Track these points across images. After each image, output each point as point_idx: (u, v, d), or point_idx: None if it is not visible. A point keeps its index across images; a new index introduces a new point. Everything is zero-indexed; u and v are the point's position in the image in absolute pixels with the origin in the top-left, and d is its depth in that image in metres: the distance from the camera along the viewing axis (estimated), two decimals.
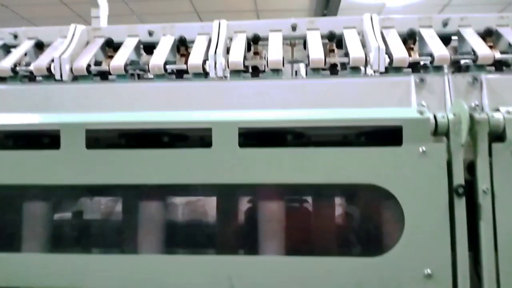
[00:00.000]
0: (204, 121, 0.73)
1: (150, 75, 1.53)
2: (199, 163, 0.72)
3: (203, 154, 0.72)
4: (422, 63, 1.44)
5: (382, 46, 1.36)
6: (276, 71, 1.42)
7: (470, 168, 0.72)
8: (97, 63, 1.54)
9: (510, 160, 0.68)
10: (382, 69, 1.36)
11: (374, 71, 1.36)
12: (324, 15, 6.77)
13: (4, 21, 6.82)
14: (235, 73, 1.43)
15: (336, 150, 0.72)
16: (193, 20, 7.08)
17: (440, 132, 0.72)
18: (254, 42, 1.54)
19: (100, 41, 1.56)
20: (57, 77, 1.44)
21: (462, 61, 1.44)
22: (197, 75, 1.44)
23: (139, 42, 1.57)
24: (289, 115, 0.74)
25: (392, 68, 1.38)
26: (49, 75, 1.46)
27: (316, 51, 1.41)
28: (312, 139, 0.80)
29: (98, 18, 2.08)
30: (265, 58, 1.55)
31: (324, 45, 1.54)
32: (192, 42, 1.57)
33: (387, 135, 0.76)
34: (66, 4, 6.42)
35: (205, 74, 1.42)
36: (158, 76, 1.46)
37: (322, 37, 1.52)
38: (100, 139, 0.80)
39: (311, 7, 6.83)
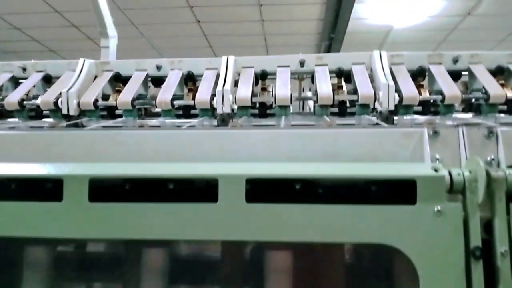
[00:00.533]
0: (210, 174, 0.71)
1: (158, 109, 1.53)
2: (205, 218, 0.70)
3: (208, 209, 0.70)
4: (432, 100, 1.43)
5: (392, 84, 1.35)
6: (284, 108, 1.41)
7: (487, 227, 0.68)
8: (105, 97, 1.54)
9: None
10: (392, 107, 1.34)
11: (382, 110, 1.35)
12: (331, 38, 6.83)
13: (16, 42, 6.96)
14: (243, 109, 1.42)
15: (347, 208, 0.69)
16: (200, 43, 7.17)
17: (455, 189, 0.69)
18: (262, 78, 1.54)
19: (108, 75, 1.56)
20: (64, 111, 1.44)
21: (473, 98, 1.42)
22: (204, 110, 1.43)
23: (147, 76, 1.57)
24: (299, 169, 0.72)
25: (402, 106, 1.37)
26: (56, 110, 1.45)
27: (324, 87, 1.40)
28: (322, 195, 0.78)
29: (108, 48, 2.10)
30: (272, 94, 1.55)
31: (332, 80, 1.53)
32: (200, 76, 1.57)
33: (401, 193, 0.73)
34: (77, 27, 6.54)
35: (212, 110, 1.41)
36: (165, 112, 1.45)
37: (331, 72, 1.51)
38: (103, 191, 0.78)
39: (318, 30, 6.88)
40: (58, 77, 1.61)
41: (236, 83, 1.51)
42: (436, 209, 0.68)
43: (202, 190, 0.72)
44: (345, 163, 0.75)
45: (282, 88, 1.41)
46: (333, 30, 6.57)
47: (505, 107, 1.38)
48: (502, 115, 1.38)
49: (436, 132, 0.79)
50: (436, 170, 0.70)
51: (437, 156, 0.78)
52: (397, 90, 1.39)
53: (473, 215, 0.67)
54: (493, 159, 0.77)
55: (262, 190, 0.74)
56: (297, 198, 0.72)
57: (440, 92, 1.40)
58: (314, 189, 0.74)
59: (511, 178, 0.69)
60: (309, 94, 1.93)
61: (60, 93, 1.45)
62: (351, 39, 6.70)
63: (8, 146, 0.86)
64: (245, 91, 1.41)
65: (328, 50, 7.05)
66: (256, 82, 1.55)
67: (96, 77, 1.58)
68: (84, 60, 1.57)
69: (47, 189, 0.76)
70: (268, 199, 0.74)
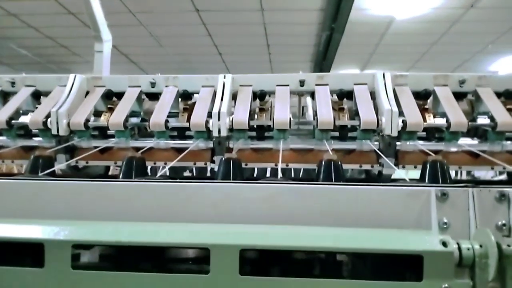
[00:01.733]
0: (201, 243, 0.66)
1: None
2: None
3: (200, 282, 0.65)
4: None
5: (395, 110, 1.29)
6: (283, 131, 1.36)
7: None
8: (97, 113, 1.48)
9: None
10: (395, 134, 1.29)
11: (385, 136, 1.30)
12: (332, 28, 6.70)
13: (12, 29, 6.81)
14: (240, 131, 1.37)
15: (350, 283, 0.65)
16: (199, 31, 7.03)
17: (464, 264, 0.64)
18: (260, 98, 1.48)
19: (100, 91, 1.50)
20: (54, 132, 1.38)
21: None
22: (199, 132, 1.37)
23: (141, 93, 1.51)
24: (298, 237, 0.67)
25: (405, 132, 1.31)
26: (45, 129, 1.40)
27: (324, 112, 1.34)
28: (323, 268, 0.73)
29: (101, 52, 2.02)
30: (271, 114, 1.49)
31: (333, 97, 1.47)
32: (196, 93, 1.51)
33: (406, 268, 0.68)
34: (74, 14, 6.39)
35: (208, 132, 1.36)
36: (159, 133, 1.39)
37: (332, 92, 1.45)
38: (86, 257, 0.74)
39: (319, 20, 6.75)
40: (48, 92, 1.55)
41: (233, 97, 1.45)
42: (443, 287, 0.63)
43: (193, 259, 0.67)
44: (347, 229, 0.70)
45: (281, 111, 1.35)
46: (334, 21, 6.44)
47: None
48: (509, 142, 1.33)
49: (445, 194, 0.73)
50: (444, 244, 0.65)
51: (445, 220, 0.73)
52: (401, 113, 1.34)
53: None
54: (504, 225, 0.72)
55: (257, 261, 0.70)
56: (296, 270, 0.68)
57: (444, 115, 1.35)
58: (314, 261, 0.70)
59: None
60: (309, 105, 1.88)
61: (50, 113, 1.39)
62: (352, 30, 6.58)
63: None
64: (242, 114, 1.35)
65: (329, 40, 6.94)
66: (254, 98, 1.49)
67: (87, 92, 1.52)
68: (75, 76, 1.50)
69: (27, 253, 0.72)
70: (264, 272, 0.69)
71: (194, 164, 1.36)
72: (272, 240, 0.67)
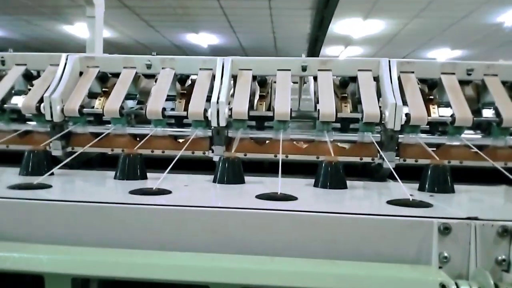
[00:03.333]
0: (201, 280, 0.67)
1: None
2: None
3: None
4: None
5: (400, 103, 1.25)
6: (283, 122, 1.33)
7: None
8: (92, 95, 1.44)
9: None
10: (398, 128, 1.26)
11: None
12: None
13: None
14: (239, 121, 1.34)
15: None
16: None
17: None
18: (261, 85, 1.43)
19: (94, 72, 1.44)
20: (47, 118, 1.34)
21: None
22: (198, 121, 1.34)
23: (136, 75, 1.45)
24: (299, 274, 0.67)
25: (408, 126, 1.29)
26: (39, 114, 1.36)
27: (327, 103, 1.30)
28: None
29: (94, 18, 1.91)
30: (271, 104, 1.45)
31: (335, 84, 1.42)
32: (194, 74, 1.45)
33: None
34: None
35: (206, 121, 1.33)
36: (156, 121, 1.36)
37: (334, 78, 1.40)
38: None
39: None
40: (39, 71, 1.49)
41: (233, 79, 1.40)
42: None
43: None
44: (343, 265, 0.70)
45: (282, 102, 1.31)
46: None
47: None
48: None
49: (447, 228, 0.73)
50: (443, 287, 0.65)
51: (445, 254, 0.73)
52: (404, 103, 1.30)
53: None
54: (504, 260, 0.72)
55: None
56: None
57: (449, 105, 1.32)
58: None
59: None
60: (311, 83, 1.82)
61: (43, 97, 1.34)
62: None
63: None
64: (242, 104, 1.31)
65: None
66: (254, 78, 1.43)
67: (81, 73, 1.46)
68: (68, 56, 1.44)
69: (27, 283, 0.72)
70: None
71: (193, 153, 1.34)
72: (273, 278, 0.67)
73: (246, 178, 1.16)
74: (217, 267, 0.69)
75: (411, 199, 0.89)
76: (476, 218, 0.74)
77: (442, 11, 7.37)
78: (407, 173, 1.24)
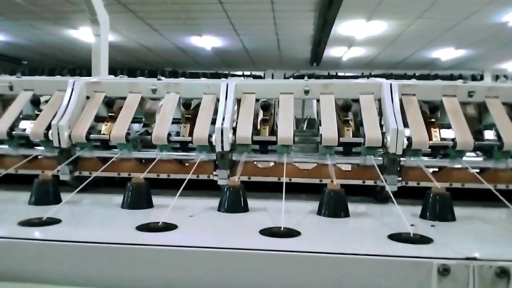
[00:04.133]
0: None
1: None
2: None
3: None
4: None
5: (401, 128, 1.27)
6: (286, 146, 1.35)
7: None
8: (98, 119, 1.46)
9: None
10: (400, 152, 1.28)
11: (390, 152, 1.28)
12: None
13: None
14: (243, 146, 1.36)
15: None
16: None
17: None
18: (264, 109, 1.45)
19: (100, 97, 1.46)
20: (55, 144, 1.37)
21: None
22: (202, 146, 1.36)
23: (142, 99, 1.48)
24: None
25: (410, 150, 1.30)
26: (46, 141, 1.39)
27: (329, 128, 1.32)
28: None
29: (99, 36, 1.94)
30: (274, 126, 1.47)
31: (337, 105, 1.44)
32: (198, 99, 1.48)
33: None
34: None
35: (210, 145, 1.35)
36: (162, 146, 1.38)
37: (336, 101, 1.42)
38: None
39: None
40: (46, 96, 1.53)
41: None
42: None
43: None
44: None
45: (285, 127, 1.33)
46: None
47: None
48: None
49: (447, 270, 0.75)
50: None
51: None
52: (405, 124, 1.32)
53: None
54: None
55: None
56: None
57: (450, 127, 1.34)
58: None
59: None
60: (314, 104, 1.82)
61: (50, 124, 1.37)
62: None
63: None
64: (245, 129, 1.33)
65: None
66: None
67: (87, 97, 1.48)
68: (74, 82, 1.46)
69: None
70: None
71: (197, 176, 1.37)
72: None
73: (250, 203, 1.18)
74: None
75: (411, 234, 0.91)
76: (474, 259, 0.76)
77: (445, 12, 7.35)
78: (410, 192, 1.27)
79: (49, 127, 1.38)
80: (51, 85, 1.51)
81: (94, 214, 1.11)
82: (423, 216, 1.12)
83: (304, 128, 2.40)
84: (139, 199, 1.17)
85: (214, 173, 1.35)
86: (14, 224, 0.95)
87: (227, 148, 1.32)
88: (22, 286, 0.78)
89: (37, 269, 0.82)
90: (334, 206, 1.11)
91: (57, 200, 1.22)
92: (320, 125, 1.36)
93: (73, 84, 1.46)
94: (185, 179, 1.25)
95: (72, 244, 0.83)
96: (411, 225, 1.04)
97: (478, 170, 1.34)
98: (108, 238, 0.85)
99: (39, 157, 1.44)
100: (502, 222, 1.08)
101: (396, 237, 0.90)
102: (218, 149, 1.32)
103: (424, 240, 0.88)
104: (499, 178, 1.31)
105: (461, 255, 0.78)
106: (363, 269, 0.78)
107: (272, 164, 1.38)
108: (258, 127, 1.47)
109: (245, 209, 1.15)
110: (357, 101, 1.43)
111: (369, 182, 1.34)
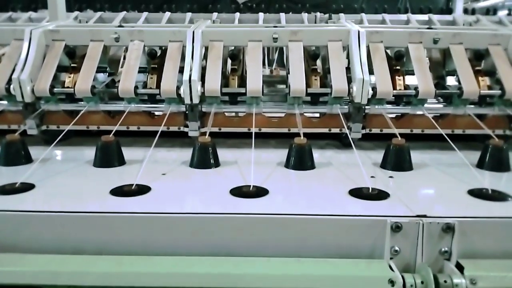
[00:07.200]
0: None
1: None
2: None
3: None
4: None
5: (367, 78, 1.30)
6: (255, 98, 1.36)
7: None
8: (61, 69, 1.41)
9: None
10: (365, 102, 1.32)
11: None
12: None
13: None
14: (212, 97, 1.36)
15: None
16: None
17: None
18: (232, 59, 1.43)
19: (60, 46, 1.40)
20: (18, 99, 1.34)
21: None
22: (171, 98, 1.36)
23: (104, 48, 1.42)
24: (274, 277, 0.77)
25: (375, 99, 1.34)
26: (9, 95, 1.35)
27: (297, 79, 1.33)
28: None
29: None
30: (243, 73, 1.46)
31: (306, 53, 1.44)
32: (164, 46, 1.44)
33: None
34: None
35: (179, 98, 1.34)
36: (129, 99, 1.37)
37: (305, 48, 1.42)
38: None
39: None
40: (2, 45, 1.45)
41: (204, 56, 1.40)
42: None
43: None
44: (308, 263, 0.80)
45: (253, 78, 1.33)
46: None
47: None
48: (472, 106, 1.39)
49: (399, 227, 0.83)
50: (392, 283, 0.77)
51: (396, 248, 0.83)
52: (371, 72, 1.35)
53: None
54: (446, 251, 0.84)
55: None
56: None
57: (414, 73, 1.37)
58: None
59: None
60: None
61: (11, 78, 1.32)
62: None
63: None
64: (214, 81, 1.33)
65: None
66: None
67: (46, 46, 1.42)
68: (31, 31, 1.39)
69: None
70: None
71: (168, 128, 1.38)
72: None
73: (221, 153, 1.22)
74: (194, 273, 0.78)
75: (370, 190, 0.98)
76: (424, 216, 0.84)
77: None
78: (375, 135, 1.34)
79: (10, 81, 1.33)
80: (8, 35, 1.43)
81: (67, 175, 1.12)
82: (383, 166, 1.19)
83: (275, 66, 2.38)
84: (111, 157, 1.19)
85: (185, 124, 1.37)
86: None
87: (196, 100, 1.32)
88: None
89: (15, 239, 0.85)
90: (300, 160, 1.16)
91: (28, 159, 1.23)
92: (289, 73, 1.37)
93: (30, 34, 1.38)
94: (155, 131, 1.27)
95: (49, 214, 0.86)
96: (371, 176, 1.11)
97: (438, 115, 1.41)
98: (84, 207, 0.88)
99: (4, 112, 1.40)
100: (453, 170, 1.16)
101: (356, 193, 0.97)
102: (187, 101, 1.32)
103: (381, 196, 0.96)
104: (457, 123, 1.38)
105: (413, 213, 0.86)
106: (325, 228, 0.85)
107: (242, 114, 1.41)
108: (228, 73, 1.46)
109: (216, 164, 1.19)
110: (325, 48, 1.43)
111: (335, 130, 1.39)
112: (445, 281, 0.78)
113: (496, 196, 0.97)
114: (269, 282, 0.77)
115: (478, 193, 0.98)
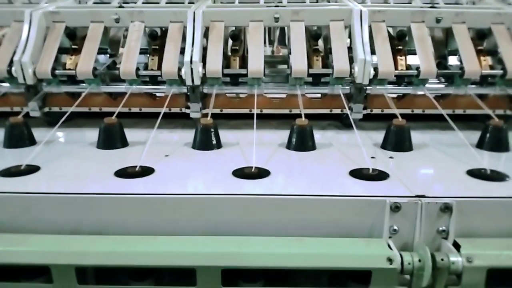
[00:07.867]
0: (187, 265, 0.78)
1: None
2: None
3: None
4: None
5: (369, 59, 1.29)
6: (257, 79, 1.36)
7: None
8: (62, 51, 1.41)
9: None
10: (366, 82, 1.33)
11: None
12: None
13: None
14: (213, 79, 1.36)
15: None
16: None
17: (405, 273, 0.79)
18: (233, 39, 1.42)
19: (61, 28, 1.40)
20: (20, 81, 1.34)
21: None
22: (172, 80, 1.36)
23: (105, 29, 1.42)
24: (270, 255, 0.79)
25: (376, 79, 1.34)
26: (11, 77, 1.35)
27: (299, 60, 1.33)
28: (291, 279, 0.87)
29: None
30: (244, 54, 1.45)
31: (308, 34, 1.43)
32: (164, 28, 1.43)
33: (355, 279, 0.84)
34: None
35: (181, 79, 1.35)
36: (131, 81, 1.37)
37: (307, 28, 1.41)
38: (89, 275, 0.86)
39: None
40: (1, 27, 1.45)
41: (205, 35, 1.40)
42: None
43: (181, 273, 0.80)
44: (308, 242, 0.82)
45: (255, 59, 1.33)
46: None
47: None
48: (473, 86, 1.39)
49: (398, 207, 0.84)
50: (390, 261, 0.79)
51: (395, 227, 0.85)
52: (373, 52, 1.35)
53: None
54: (443, 230, 0.86)
55: (237, 274, 0.83)
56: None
57: (415, 53, 1.37)
58: (282, 275, 0.84)
59: (453, 267, 0.79)
60: None
61: (12, 60, 1.33)
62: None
63: None
64: (215, 62, 1.33)
65: None
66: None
67: (47, 27, 1.41)
68: (31, 12, 1.38)
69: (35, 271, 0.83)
70: (243, 283, 0.84)
71: (169, 110, 1.39)
72: (250, 259, 0.79)
73: (223, 134, 1.23)
74: (201, 252, 0.80)
75: (370, 170, 0.99)
76: (423, 196, 0.86)
77: None
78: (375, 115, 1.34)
79: (12, 63, 1.33)
80: (7, 17, 1.42)
81: (72, 157, 1.14)
82: (383, 146, 1.21)
83: (276, 45, 2.36)
84: (113, 139, 1.20)
85: (187, 105, 1.38)
86: None
87: (197, 82, 1.32)
88: (5, 237, 0.84)
89: (23, 220, 0.87)
90: (302, 141, 1.17)
91: (31, 141, 1.24)
92: (291, 53, 1.37)
93: (31, 15, 1.38)
94: (157, 113, 1.28)
95: (55, 195, 0.88)
96: (372, 157, 1.13)
97: (439, 95, 1.41)
98: (90, 188, 0.90)
99: (6, 95, 1.41)
100: (453, 150, 1.18)
101: (356, 174, 0.98)
102: (189, 83, 1.32)
103: (381, 176, 0.97)
104: (458, 104, 1.39)
105: (412, 193, 0.87)
106: (325, 208, 0.87)
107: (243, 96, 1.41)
108: (229, 53, 1.46)
109: (219, 145, 1.20)
110: (328, 27, 1.42)
111: (336, 111, 1.40)
112: (442, 259, 0.80)
113: (495, 176, 0.98)
114: (271, 260, 0.80)
115: (476, 173, 0.99)
